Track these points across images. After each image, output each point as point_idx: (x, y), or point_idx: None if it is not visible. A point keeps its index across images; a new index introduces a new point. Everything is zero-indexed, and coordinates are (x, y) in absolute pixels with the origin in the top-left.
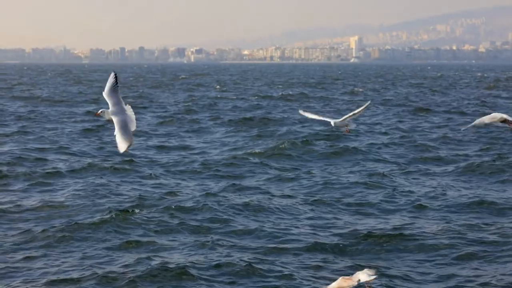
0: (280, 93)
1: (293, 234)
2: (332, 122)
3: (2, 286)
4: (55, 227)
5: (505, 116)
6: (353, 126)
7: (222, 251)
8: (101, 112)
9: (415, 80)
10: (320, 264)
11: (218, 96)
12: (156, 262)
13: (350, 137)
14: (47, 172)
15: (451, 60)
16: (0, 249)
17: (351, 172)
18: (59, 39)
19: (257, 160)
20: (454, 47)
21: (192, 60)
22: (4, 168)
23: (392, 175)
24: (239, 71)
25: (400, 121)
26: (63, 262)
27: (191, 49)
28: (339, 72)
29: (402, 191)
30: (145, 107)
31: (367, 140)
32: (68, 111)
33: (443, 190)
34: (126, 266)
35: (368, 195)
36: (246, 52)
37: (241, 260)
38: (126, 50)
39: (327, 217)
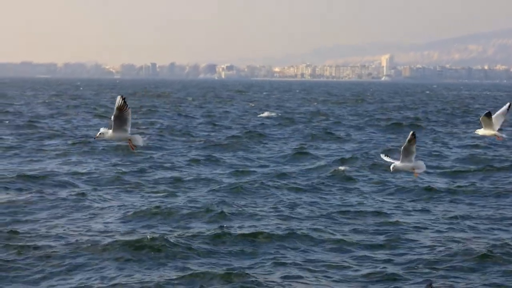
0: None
1: None
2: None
3: None
4: None
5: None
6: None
7: None
8: (100, 134)
9: None
10: None
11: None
12: None
13: None
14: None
15: (483, 80)
16: None
17: None
18: (90, 54)
19: None
20: (486, 67)
21: (223, 76)
22: None
23: None
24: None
25: None
26: None
27: (222, 66)
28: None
29: None
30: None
31: None
32: None
33: None
34: None
35: None
36: (277, 69)
37: None
38: (157, 65)
39: None
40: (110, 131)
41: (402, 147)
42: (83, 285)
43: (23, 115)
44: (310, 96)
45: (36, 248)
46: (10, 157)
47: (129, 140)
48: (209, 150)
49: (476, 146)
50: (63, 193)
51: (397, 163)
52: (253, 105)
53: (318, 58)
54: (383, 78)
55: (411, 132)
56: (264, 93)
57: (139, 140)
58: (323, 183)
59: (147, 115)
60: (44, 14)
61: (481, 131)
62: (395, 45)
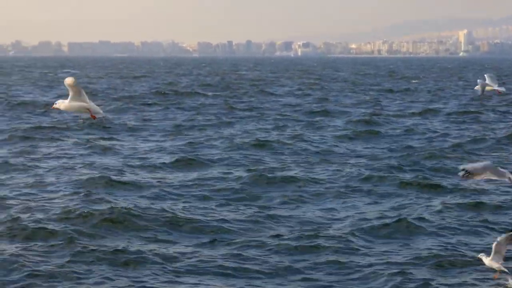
0: None
1: None
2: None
3: None
4: None
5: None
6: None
7: None
8: (56, 105)
9: None
10: None
11: None
12: None
13: None
14: None
15: None
16: None
17: None
18: (167, 33)
19: None
20: None
21: (299, 54)
22: None
23: None
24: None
25: None
26: None
27: (298, 43)
28: None
29: None
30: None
31: None
32: None
33: None
34: None
35: None
36: (353, 46)
37: None
38: (233, 43)
39: None
40: (66, 101)
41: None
42: None
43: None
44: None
45: None
46: None
47: (88, 109)
48: None
49: None
50: None
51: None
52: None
53: (394, 34)
54: (460, 54)
55: None
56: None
57: (98, 109)
58: None
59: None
60: None
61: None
62: (473, 20)
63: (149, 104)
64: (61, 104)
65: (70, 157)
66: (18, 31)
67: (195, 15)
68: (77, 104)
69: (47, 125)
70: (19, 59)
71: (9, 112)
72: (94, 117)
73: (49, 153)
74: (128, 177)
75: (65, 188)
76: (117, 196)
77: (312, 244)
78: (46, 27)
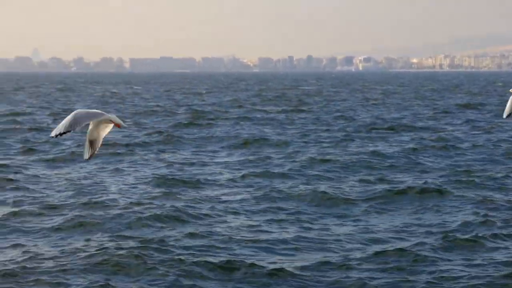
0: None
1: None
2: None
3: None
4: None
5: None
6: None
7: None
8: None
9: None
10: None
11: None
12: None
13: None
14: None
15: None
16: None
17: None
18: (228, 48)
19: None
20: None
21: (360, 68)
22: None
23: None
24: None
25: None
26: None
27: (359, 58)
28: None
29: None
30: None
31: None
32: None
33: None
34: None
35: None
36: (414, 60)
37: None
38: (294, 58)
39: None
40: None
41: None
42: None
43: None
44: None
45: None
46: None
47: (111, 120)
48: None
49: None
50: None
51: None
52: None
53: (456, 48)
54: None
55: None
56: None
57: (119, 119)
58: None
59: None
60: (178, 11)
61: None
62: None
63: (212, 119)
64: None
65: (138, 171)
66: (81, 47)
67: (256, 31)
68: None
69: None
70: (82, 75)
71: None
72: (119, 126)
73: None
74: (194, 191)
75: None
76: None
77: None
78: (108, 44)
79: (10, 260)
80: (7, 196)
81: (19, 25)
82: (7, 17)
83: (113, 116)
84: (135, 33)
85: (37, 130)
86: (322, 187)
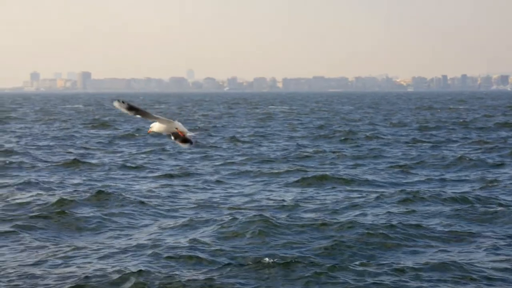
0: None
1: None
2: None
3: None
4: None
5: None
6: None
7: None
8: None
9: None
10: None
11: None
12: None
13: None
14: None
15: None
16: None
17: None
18: (381, 67)
19: None
20: None
21: None
22: None
23: None
24: None
25: None
26: None
27: None
28: None
29: None
30: None
31: None
32: None
33: None
34: None
35: None
36: None
37: None
38: (448, 77)
39: None
40: (156, 123)
41: None
42: None
43: None
44: None
45: None
46: None
47: (177, 128)
48: None
49: None
50: None
51: None
52: None
53: None
54: None
55: None
56: None
57: (185, 128)
58: None
59: None
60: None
61: None
62: None
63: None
64: (153, 126)
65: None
66: (235, 67)
67: (410, 49)
68: (164, 125)
69: None
70: (234, 94)
71: None
72: (183, 134)
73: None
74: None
75: None
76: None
77: None
78: (261, 63)
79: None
80: None
81: (175, 47)
82: (165, 40)
83: (179, 125)
84: (288, 53)
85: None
86: None
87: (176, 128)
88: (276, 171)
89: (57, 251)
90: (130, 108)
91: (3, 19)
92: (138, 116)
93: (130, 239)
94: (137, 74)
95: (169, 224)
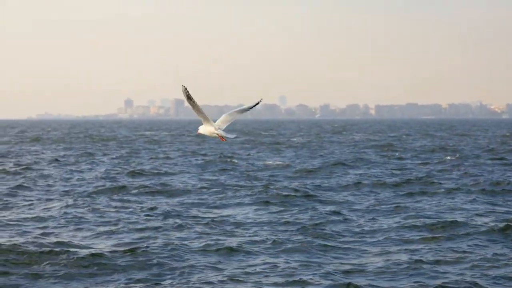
0: None
1: None
2: None
3: None
4: None
5: None
6: None
7: None
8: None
9: None
10: None
11: None
12: None
13: None
14: None
15: None
16: None
17: None
18: (475, 94)
19: None
20: None
21: None
22: None
23: None
24: None
25: None
26: None
27: None
28: None
29: None
30: None
31: None
32: None
33: None
34: None
35: None
36: None
37: None
38: None
39: None
40: (202, 126)
41: None
42: None
43: None
44: None
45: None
46: None
47: (217, 134)
48: None
49: None
50: None
51: None
52: None
53: None
54: None
55: None
56: None
57: (227, 133)
58: None
59: None
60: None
61: None
62: None
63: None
64: (200, 129)
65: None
66: (328, 94)
67: (506, 76)
68: (207, 128)
69: None
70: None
71: None
72: (224, 140)
73: None
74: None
75: None
76: None
77: None
78: (354, 91)
79: None
80: None
81: (265, 74)
82: (253, 68)
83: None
84: (382, 80)
85: None
86: None
87: (217, 134)
88: None
89: None
90: (189, 97)
91: (102, 45)
92: (190, 106)
93: None
94: (231, 101)
95: None
